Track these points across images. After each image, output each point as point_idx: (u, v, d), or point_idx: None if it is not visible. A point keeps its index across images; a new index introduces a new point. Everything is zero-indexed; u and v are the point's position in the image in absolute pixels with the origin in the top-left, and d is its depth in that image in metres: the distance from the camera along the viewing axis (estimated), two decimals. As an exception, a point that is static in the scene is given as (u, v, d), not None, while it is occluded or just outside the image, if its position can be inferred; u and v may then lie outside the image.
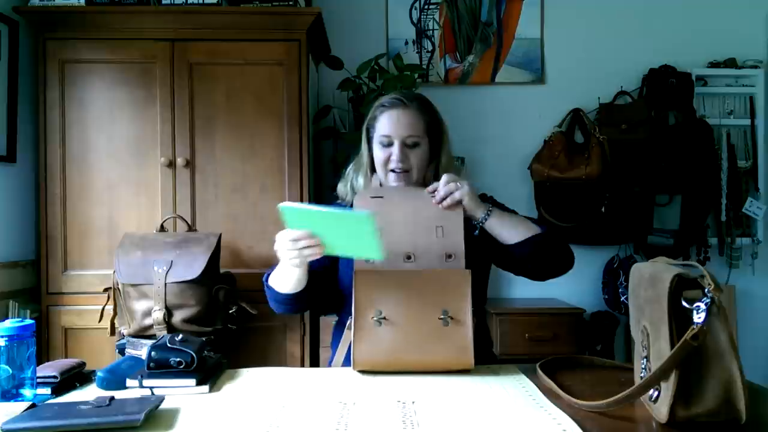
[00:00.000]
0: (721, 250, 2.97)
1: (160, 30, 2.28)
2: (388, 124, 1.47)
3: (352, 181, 1.58)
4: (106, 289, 2.06)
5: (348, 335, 1.33)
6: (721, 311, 0.88)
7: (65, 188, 2.27)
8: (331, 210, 1.19)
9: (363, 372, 1.26)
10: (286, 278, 1.37)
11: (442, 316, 1.23)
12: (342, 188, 1.60)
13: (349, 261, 1.32)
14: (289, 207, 1.20)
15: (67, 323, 2.24)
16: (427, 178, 1.51)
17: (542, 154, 2.89)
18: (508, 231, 1.38)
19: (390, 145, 1.46)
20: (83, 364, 1.26)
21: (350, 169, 1.60)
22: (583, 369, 1.30)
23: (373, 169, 1.53)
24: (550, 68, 3.02)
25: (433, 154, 1.52)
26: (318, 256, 1.25)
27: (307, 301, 1.45)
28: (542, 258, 1.42)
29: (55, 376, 1.16)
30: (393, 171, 1.46)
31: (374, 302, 1.24)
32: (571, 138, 2.94)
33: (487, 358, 1.49)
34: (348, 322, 1.30)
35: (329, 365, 1.48)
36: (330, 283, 1.50)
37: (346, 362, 1.39)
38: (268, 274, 1.46)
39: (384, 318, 1.23)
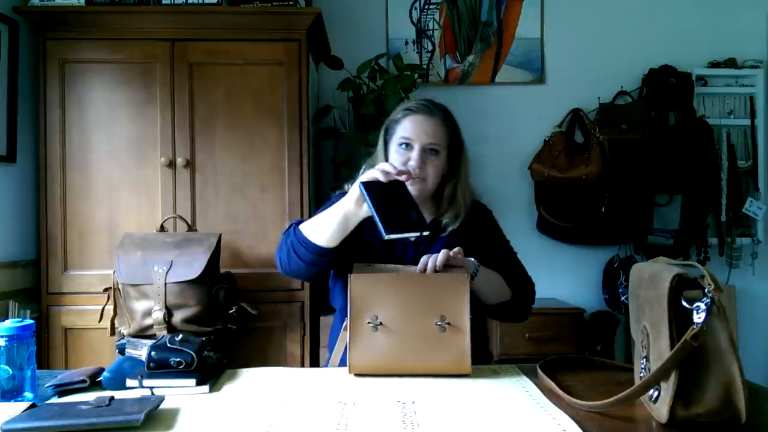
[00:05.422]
0: (721, 250, 2.97)
1: (160, 30, 2.28)
2: (410, 128, 1.46)
3: None
4: (106, 289, 2.06)
5: (344, 336, 1.33)
6: (721, 311, 0.88)
7: (65, 188, 2.26)
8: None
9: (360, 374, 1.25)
10: (327, 227, 1.32)
11: (439, 322, 1.21)
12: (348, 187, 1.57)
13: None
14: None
15: (67, 323, 2.24)
16: (446, 195, 1.50)
17: (542, 154, 2.89)
18: (487, 295, 1.42)
19: (409, 148, 1.45)
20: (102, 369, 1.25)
21: (364, 167, 1.55)
22: (583, 369, 1.29)
23: None
24: (550, 68, 3.02)
25: (451, 169, 1.51)
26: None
27: (326, 263, 1.40)
28: (504, 317, 1.55)
29: (84, 380, 1.16)
30: None
31: (370, 306, 1.23)
32: (571, 138, 2.94)
33: (483, 356, 1.48)
34: (345, 322, 1.29)
35: (326, 365, 1.47)
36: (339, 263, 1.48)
37: (342, 363, 1.39)
38: (299, 222, 1.43)
39: (380, 323, 1.22)
